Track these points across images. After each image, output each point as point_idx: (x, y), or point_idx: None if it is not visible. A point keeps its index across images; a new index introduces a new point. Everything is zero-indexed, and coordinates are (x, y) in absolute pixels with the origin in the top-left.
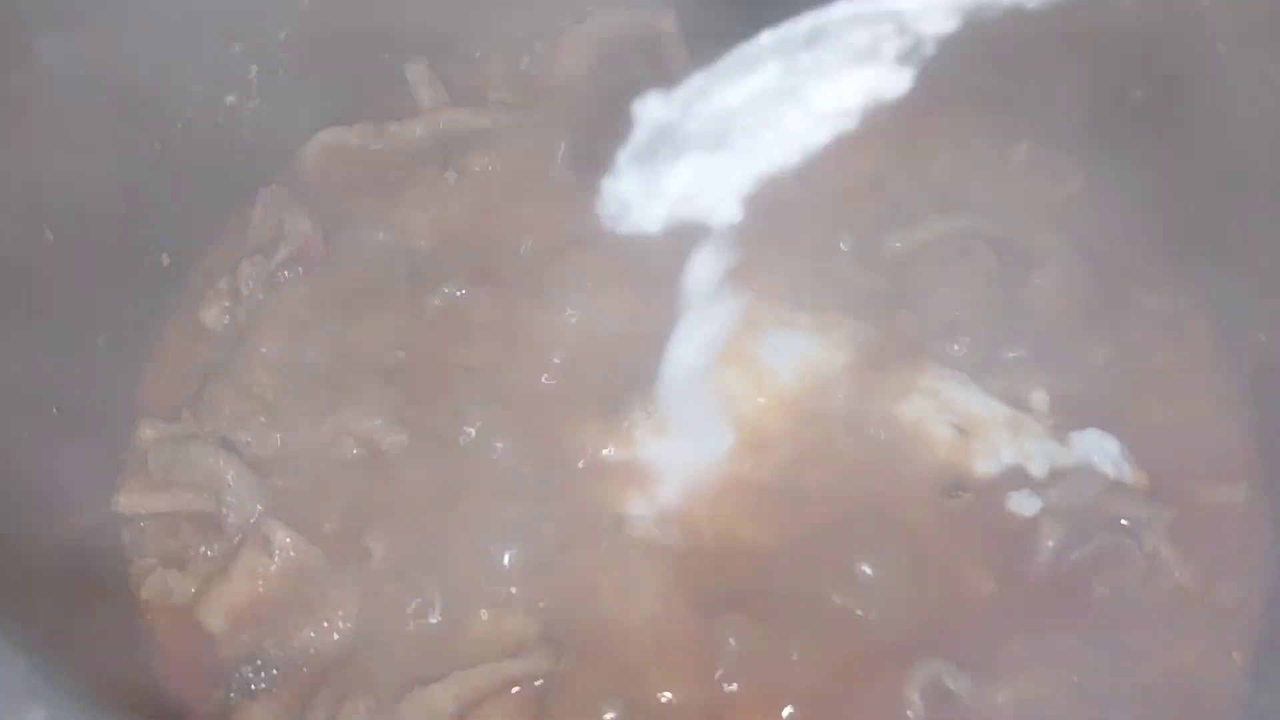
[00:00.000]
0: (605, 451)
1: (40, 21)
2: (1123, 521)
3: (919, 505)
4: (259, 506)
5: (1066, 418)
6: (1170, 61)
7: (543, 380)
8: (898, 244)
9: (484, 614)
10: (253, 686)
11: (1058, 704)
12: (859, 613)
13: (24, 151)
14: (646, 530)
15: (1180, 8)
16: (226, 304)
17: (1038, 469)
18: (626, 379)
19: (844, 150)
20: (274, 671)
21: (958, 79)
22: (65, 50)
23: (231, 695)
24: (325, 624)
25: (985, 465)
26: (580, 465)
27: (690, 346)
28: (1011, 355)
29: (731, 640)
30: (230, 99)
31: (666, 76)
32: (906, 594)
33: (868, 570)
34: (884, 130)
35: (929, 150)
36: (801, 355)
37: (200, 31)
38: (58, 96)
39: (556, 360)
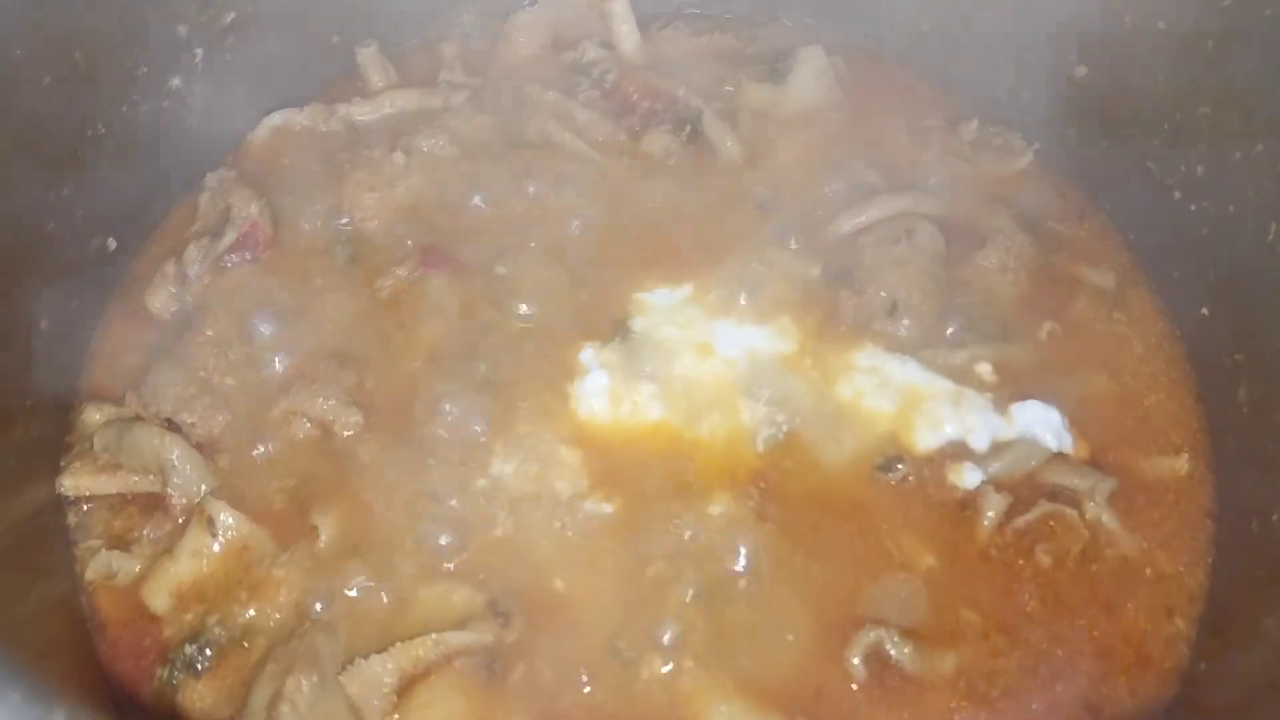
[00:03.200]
0: (556, 431)
1: None
2: (1064, 491)
3: (857, 480)
4: (204, 487)
5: (1009, 391)
6: (1113, 39)
7: (496, 359)
8: (843, 227)
9: (431, 589)
10: (198, 665)
11: (1002, 672)
12: (804, 581)
13: None
14: (596, 504)
15: None
16: (173, 289)
17: (979, 441)
18: (579, 359)
19: (790, 132)
20: (218, 650)
21: (907, 58)
22: (3, 28)
23: (175, 674)
24: (269, 602)
25: (926, 439)
26: (532, 445)
27: (643, 329)
28: (954, 332)
29: (679, 609)
30: (175, 82)
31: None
32: (845, 563)
33: (802, 541)
34: (832, 110)
35: (877, 130)
36: (748, 343)
37: (144, 12)
38: None
39: (509, 340)
